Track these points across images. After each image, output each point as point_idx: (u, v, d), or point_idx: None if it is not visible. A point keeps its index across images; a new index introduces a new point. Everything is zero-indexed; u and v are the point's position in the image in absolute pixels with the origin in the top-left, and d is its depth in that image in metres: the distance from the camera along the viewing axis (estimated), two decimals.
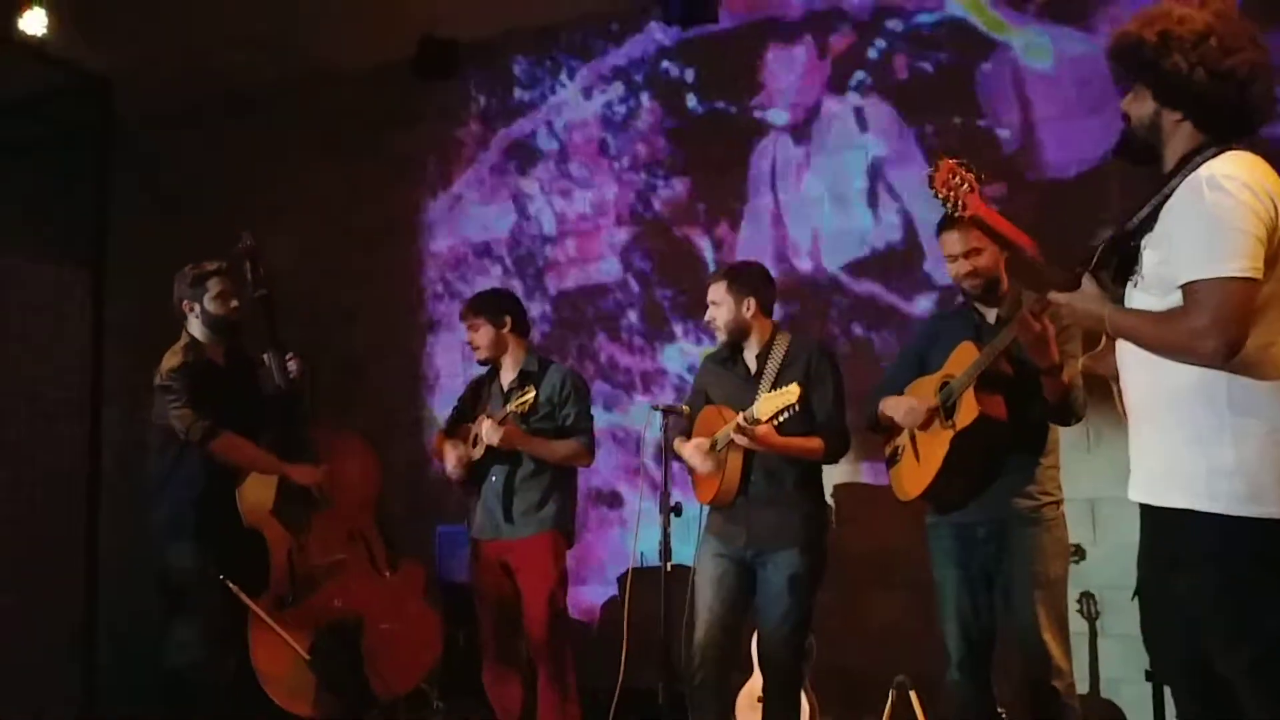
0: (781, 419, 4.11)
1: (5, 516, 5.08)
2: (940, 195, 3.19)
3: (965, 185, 3.18)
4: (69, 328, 5.89)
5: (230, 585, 4.72)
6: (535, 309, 6.91)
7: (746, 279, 4.49)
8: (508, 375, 5.07)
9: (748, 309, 4.43)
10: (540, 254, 7.26)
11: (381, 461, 5.52)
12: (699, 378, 4.73)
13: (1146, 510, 2.94)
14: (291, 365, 5.16)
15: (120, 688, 6.00)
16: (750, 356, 4.48)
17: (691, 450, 4.40)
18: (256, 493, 4.99)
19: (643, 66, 7.04)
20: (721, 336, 4.51)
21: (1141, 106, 2.92)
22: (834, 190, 6.44)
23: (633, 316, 6.95)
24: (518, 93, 7.40)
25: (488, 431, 4.82)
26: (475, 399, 5.21)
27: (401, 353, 7.48)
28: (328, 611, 4.94)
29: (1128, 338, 2.92)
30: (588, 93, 7.19)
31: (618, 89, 7.12)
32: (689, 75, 6.93)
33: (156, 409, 4.91)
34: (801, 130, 6.58)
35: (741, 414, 4.18)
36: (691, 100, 6.92)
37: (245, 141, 7.56)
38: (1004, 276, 4.06)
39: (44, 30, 5.86)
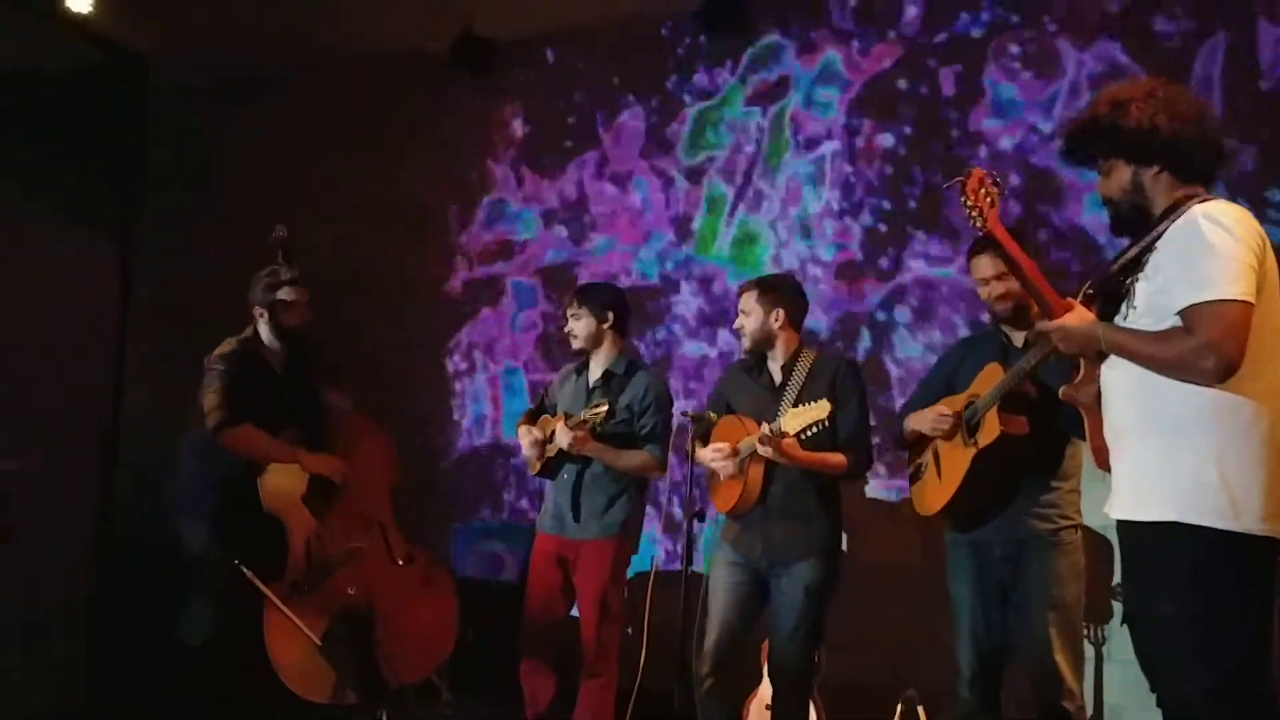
0: (809, 434, 4.14)
1: (23, 484, 5.09)
2: (968, 204, 3.24)
3: (989, 199, 3.24)
4: (97, 303, 5.92)
5: (245, 571, 4.75)
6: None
7: (777, 290, 4.54)
8: (595, 372, 5.07)
9: (776, 320, 4.47)
10: (571, 253, 7.30)
11: (400, 454, 5.56)
12: (722, 384, 4.76)
13: (1128, 529, 3.04)
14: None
15: (126, 664, 6.02)
16: (775, 368, 4.52)
17: (711, 454, 4.42)
18: (279, 480, 5.03)
19: (681, 68, 7.08)
20: (747, 345, 4.54)
21: (1119, 177, 3.11)
22: None
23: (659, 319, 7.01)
24: (555, 92, 7.43)
25: (560, 434, 4.86)
26: (559, 388, 5.23)
27: (425, 347, 7.51)
28: (341, 599, 4.97)
29: (1124, 353, 3.03)
30: (626, 93, 7.23)
31: (656, 90, 7.16)
32: (725, 78, 6.97)
33: (201, 390, 4.98)
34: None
35: (768, 426, 4.20)
36: (731, 104, 6.97)
37: (278, 122, 7.57)
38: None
39: (89, 7, 5.89)
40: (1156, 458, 2.95)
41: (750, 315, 4.50)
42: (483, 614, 6.06)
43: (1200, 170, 3.05)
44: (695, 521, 4.24)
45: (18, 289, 5.59)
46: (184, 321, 5.28)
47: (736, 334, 4.58)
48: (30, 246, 5.73)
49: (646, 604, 4.10)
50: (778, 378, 4.50)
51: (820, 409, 4.07)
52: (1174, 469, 2.90)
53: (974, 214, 3.25)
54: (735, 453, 4.37)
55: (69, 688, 5.29)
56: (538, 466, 5.12)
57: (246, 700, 4.99)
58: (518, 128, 7.52)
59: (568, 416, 4.92)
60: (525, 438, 5.14)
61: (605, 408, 4.75)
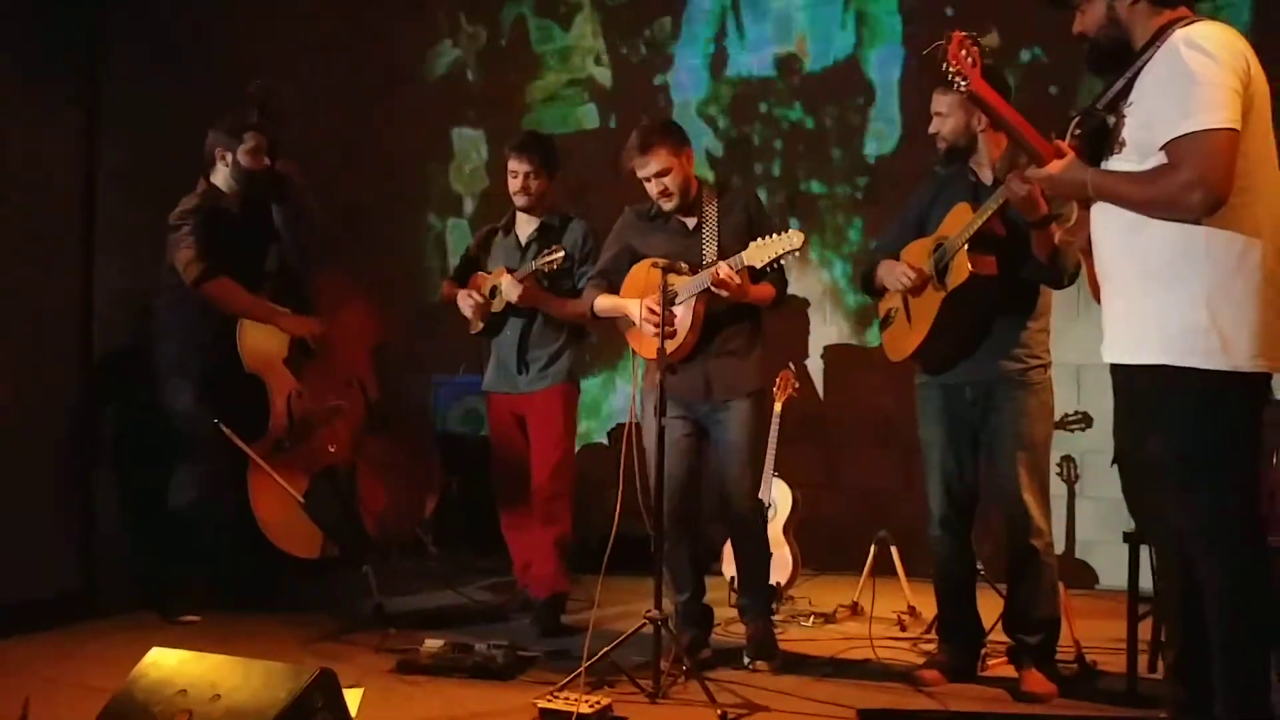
0: (774, 267, 4.06)
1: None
2: (952, 69, 3.22)
3: (971, 60, 3.21)
4: (63, 173, 5.81)
5: (224, 429, 4.79)
6: None
7: (679, 134, 4.37)
8: (526, 228, 5.02)
9: (689, 161, 4.34)
10: (526, 101, 7.22)
11: (381, 311, 5.57)
12: (619, 232, 4.53)
13: (1122, 372, 3.06)
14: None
15: (119, 535, 6.08)
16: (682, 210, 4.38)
17: (651, 302, 4.17)
18: (258, 339, 5.05)
19: None
20: (675, 202, 4.32)
21: (1094, 10, 3.03)
22: None
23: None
24: None
25: (507, 288, 4.84)
26: (486, 247, 5.18)
27: (402, 204, 7.43)
28: (323, 456, 5.03)
29: (1112, 198, 3.00)
30: None
31: None
32: None
33: (168, 250, 4.96)
34: None
35: (724, 262, 4.09)
36: None
37: None
38: (988, 142, 4.01)
39: None
40: (1147, 301, 2.94)
41: (672, 170, 4.27)
42: (465, 468, 6.14)
43: None
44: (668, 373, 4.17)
45: None
46: (154, 188, 5.22)
47: (663, 195, 4.31)
48: None
49: (622, 453, 4.11)
50: (690, 221, 4.36)
51: (791, 239, 3.96)
52: (1164, 312, 2.90)
53: (957, 79, 3.24)
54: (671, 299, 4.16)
55: (62, 562, 5.34)
56: (479, 326, 5.08)
57: (237, 558, 5.08)
58: None
59: (510, 272, 4.88)
60: (464, 301, 5.06)
61: (561, 253, 4.69)
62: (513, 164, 4.94)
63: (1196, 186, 2.79)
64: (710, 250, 4.24)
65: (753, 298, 4.22)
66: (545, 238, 4.91)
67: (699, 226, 4.33)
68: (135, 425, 5.56)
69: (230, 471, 4.95)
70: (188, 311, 5.00)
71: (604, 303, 4.43)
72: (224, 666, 2.95)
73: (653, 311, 4.13)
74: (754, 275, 4.14)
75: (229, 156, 5.05)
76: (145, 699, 2.92)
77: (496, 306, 4.97)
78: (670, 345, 4.17)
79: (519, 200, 4.96)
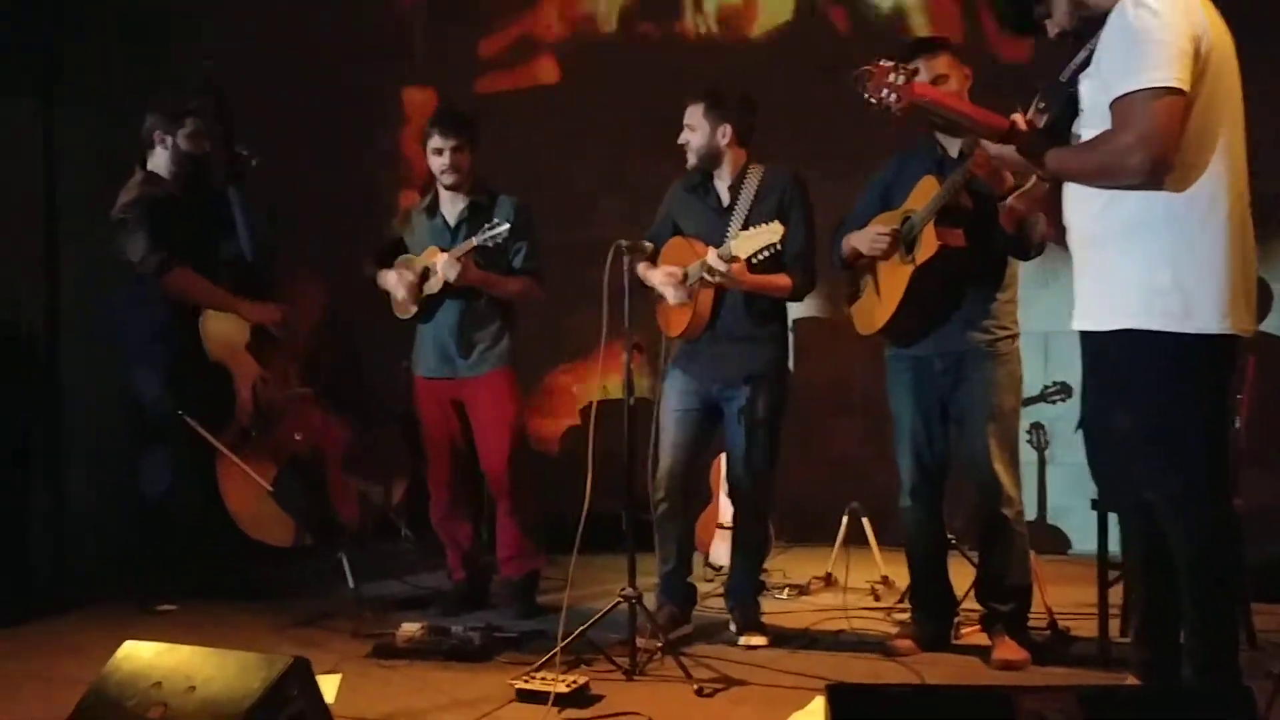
0: (760, 258, 4.08)
1: None
2: (881, 98, 3.20)
3: (903, 78, 3.19)
4: (20, 160, 5.75)
5: (189, 421, 4.76)
6: None
7: (725, 104, 4.36)
8: (452, 207, 4.82)
9: (723, 136, 4.33)
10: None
11: (346, 297, 5.52)
12: (667, 204, 4.60)
13: (1089, 339, 3.08)
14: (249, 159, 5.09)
15: (91, 524, 6.05)
16: (722, 187, 4.40)
17: (663, 278, 4.34)
18: (220, 327, 5.02)
19: None
20: (693, 161, 4.40)
21: (1059, 9, 3.02)
22: None
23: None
24: None
25: (445, 267, 4.62)
26: (410, 232, 4.94)
27: (364, 182, 7.35)
28: (290, 444, 5.02)
29: (1060, 174, 3.01)
30: None
31: None
32: None
33: (116, 243, 4.91)
34: None
35: (715, 250, 4.14)
36: None
37: None
38: None
39: None
40: (1112, 266, 2.94)
41: (696, 130, 4.34)
42: None
43: None
44: (634, 352, 4.17)
45: None
46: (116, 171, 5.16)
47: (685, 146, 4.40)
48: None
49: (591, 432, 4.10)
50: (725, 198, 4.39)
51: (772, 231, 4.00)
52: (1127, 276, 2.90)
53: (888, 104, 3.19)
54: (684, 277, 4.31)
55: (37, 550, 5.32)
56: (413, 310, 4.83)
57: (211, 546, 5.05)
58: None
59: (442, 251, 4.68)
60: (396, 280, 4.81)
61: (506, 226, 4.52)
62: (436, 141, 4.71)
63: (1137, 149, 2.77)
64: (735, 232, 4.23)
65: (750, 286, 4.23)
66: (477, 217, 4.68)
67: (732, 206, 4.35)
68: (104, 414, 5.55)
69: (201, 458, 4.92)
70: (146, 301, 4.96)
71: (641, 271, 4.43)
72: (198, 657, 2.94)
73: (670, 275, 4.33)
74: (765, 265, 4.16)
75: (168, 140, 4.98)
76: (119, 693, 2.91)
77: (431, 288, 4.73)
78: (682, 323, 4.37)
79: (447, 179, 4.74)
